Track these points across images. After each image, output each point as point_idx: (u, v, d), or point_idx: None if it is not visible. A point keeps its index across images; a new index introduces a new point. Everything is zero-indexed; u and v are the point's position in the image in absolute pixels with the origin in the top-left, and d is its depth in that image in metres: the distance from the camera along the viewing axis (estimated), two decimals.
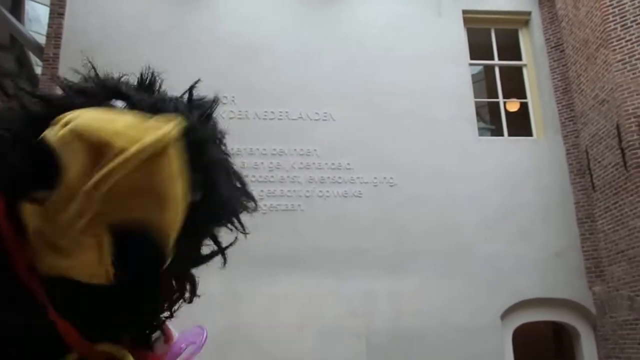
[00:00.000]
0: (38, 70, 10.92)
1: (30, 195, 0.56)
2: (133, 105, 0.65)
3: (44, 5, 11.44)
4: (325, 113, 8.87)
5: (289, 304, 7.86)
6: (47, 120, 0.60)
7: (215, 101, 0.74)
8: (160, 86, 0.73)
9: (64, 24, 8.75)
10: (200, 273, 0.75)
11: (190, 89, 0.74)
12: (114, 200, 0.54)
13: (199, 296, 0.73)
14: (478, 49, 9.98)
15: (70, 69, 0.76)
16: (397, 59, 9.22)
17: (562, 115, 9.32)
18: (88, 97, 0.66)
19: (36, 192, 0.56)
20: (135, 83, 0.72)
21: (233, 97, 8.51)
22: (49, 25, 8.81)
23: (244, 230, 0.75)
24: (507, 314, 8.40)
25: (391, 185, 8.66)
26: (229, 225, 0.74)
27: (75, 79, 0.72)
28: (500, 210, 8.68)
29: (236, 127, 7.64)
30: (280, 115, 8.78)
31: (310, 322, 7.83)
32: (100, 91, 0.67)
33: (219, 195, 0.68)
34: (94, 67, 0.72)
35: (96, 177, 0.53)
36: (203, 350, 0.77)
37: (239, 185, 0.75)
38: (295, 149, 8.66)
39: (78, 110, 0.60)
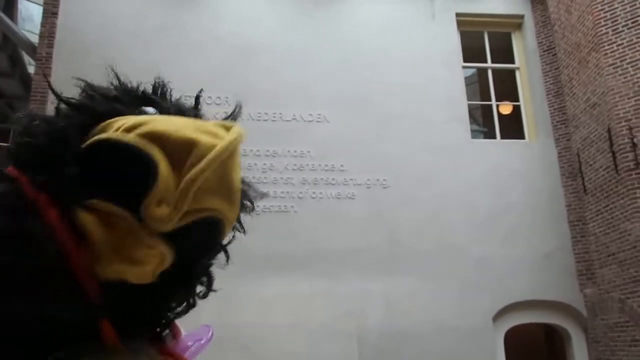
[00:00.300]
0: (31, 69, 10.88)
1: (85, 204, 0.58)
2: (162, 112, 0.70)
3: (38, 4, 11.40)
4: (319, 114, 8.88)
5: (282, 305, 7.86)
6: (87, 128, 0.63)
7: (238, 108, 0.80)
8: (171, 94, 0.77)
9: (58, 23, 8.71)
10: None
11: (197, 98, 0.78)
12: (202, 196, 0.58)
13: (215, 290, 0.76)
14: (471, 51, 10.03)
15: (78, 79, 0.76)
16: (391, 61, 9.25)
17: (554, 119, 9.37)
18: (123, 104, 0.68)
19: (92, 200, 0.58)
20: (151, 91, 0.76)
21: (227, 97, 8.50)
22: (42, 25, 8.77)
23: (243, 230, 0.77)
24: (499, 315, 8.43)
25: (384, 187, 8.68)
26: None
27: (74, 83, 0.73)
28: (492, 213, 8.72)
29: None
30: (274, 117, 8.79)
31: (303, 322, 7.83)
32: (133, 98, 0.70)
33: None
34: (117, 76, 0.74)
35: (192, 173, 0.56)
36: (209, 345, 0.78)
37: (244, 189, 0.76)
38: (288, 150, 8.66)
39: (134, 116, 0.63)
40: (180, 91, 0.78)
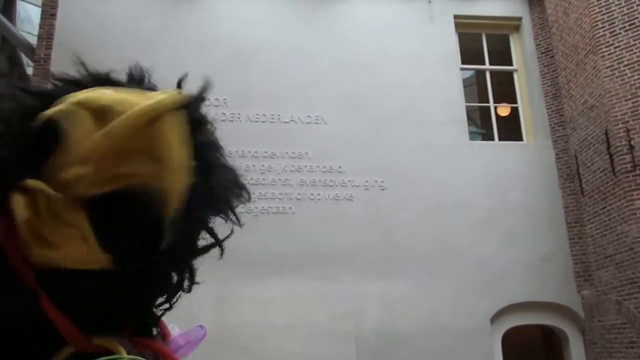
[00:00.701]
0: (29, 70, 10.87)
1: (19, 185, 0.55)
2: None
3: (36, 5, 11.39)
4: (317, 116, 8.89)
5: (280, 306, 7.86)
6: (39, 112, 0.60)
7: (205, 90, 0.74)
8: (149, 80, 0.73)
9: (56, 24, 8.72)
10: None
11: (179, 83, 0.74)
12: (115, 160, 0.55)
13: (198, 283, 0.72)
14: (469, 53, 10.05)
15: (62, 71, 0.76)
16: (389, 63, 9.27)
17: (552, 120, 9.40)
18: (80, 87, 0.65)
19: (25, 180, 0.55)
20: (125, 78, 0.72)
21: (225, 99, 8.52)
22: (41, 26, 8.77)
23: (238, 222, 0.73)
24: (496, 317, 8.44)
25: (382, 189, 8.69)
26: (223, 216, 0.72)
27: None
28: (490, 214, 8.73)
29: (228, 130, 7.63)
30: (272, 118, 8.80)
31: (300, 324, 7.84)
32: (92, 81, 0.67)
33: (213, 180, 0.67)
34: (83, 63, 0.71)
35: (97, 135, 0.54)
36: (198, 348, 0.76)
37: (231, 176, 0.73)
38: (286, 152, 8.67)
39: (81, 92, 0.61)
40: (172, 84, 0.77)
